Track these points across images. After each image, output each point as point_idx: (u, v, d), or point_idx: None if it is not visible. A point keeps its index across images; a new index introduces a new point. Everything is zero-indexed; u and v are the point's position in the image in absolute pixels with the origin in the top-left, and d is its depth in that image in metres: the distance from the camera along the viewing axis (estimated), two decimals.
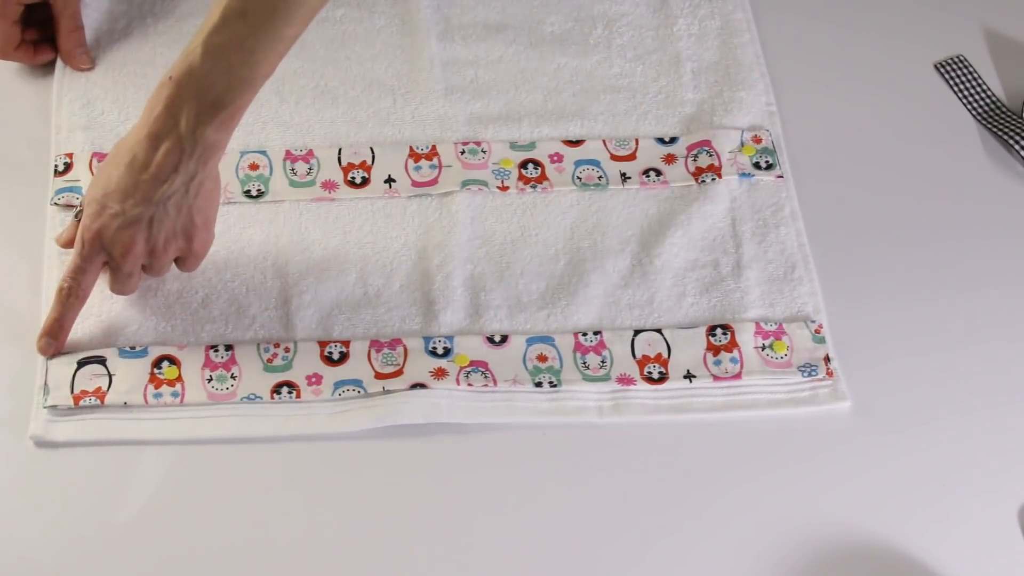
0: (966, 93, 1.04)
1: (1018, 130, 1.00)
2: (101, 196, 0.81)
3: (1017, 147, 0.99)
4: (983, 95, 1.04)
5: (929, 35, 1.07)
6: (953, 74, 1.05)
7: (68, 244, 0.87)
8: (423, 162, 0.96)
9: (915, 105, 1.03)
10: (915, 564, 0.80)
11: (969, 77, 1.05)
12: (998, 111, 1.02)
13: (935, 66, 1.06)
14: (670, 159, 0.98)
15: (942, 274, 0.93)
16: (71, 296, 0.84)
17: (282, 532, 0.80)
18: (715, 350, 0.88)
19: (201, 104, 0.78)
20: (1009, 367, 0.89)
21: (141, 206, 0.81)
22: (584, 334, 0.88)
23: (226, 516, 0.80)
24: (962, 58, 1.06)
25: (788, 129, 1.00)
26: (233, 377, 0.85)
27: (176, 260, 0.86)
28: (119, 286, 0.85)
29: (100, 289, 0.88)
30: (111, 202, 0.81)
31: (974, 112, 1.03)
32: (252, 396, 0.84)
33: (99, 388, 0.84)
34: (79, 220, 0.85)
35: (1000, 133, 1.01)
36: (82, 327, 0.87)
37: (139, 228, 0.82)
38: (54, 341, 0.85)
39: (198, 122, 0.79)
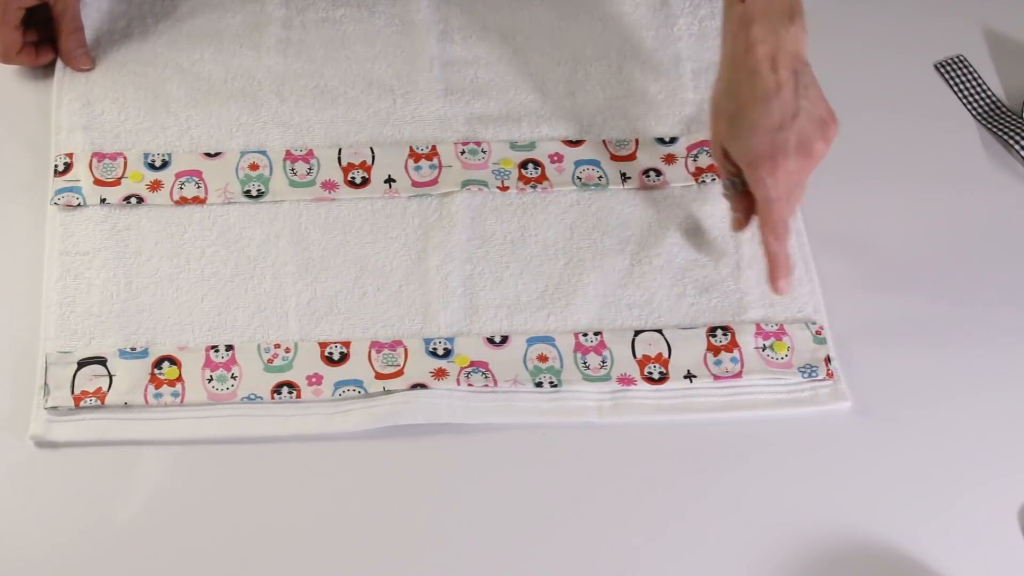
0: (966, 93, 1.04)
1: (1018, 130, 1.00)
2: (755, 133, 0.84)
3: (1017, 147, 0.99)
4: (983, 95, 1.04)
5: (929, 35, 1.07)
6: (953, 74, 1.05)
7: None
8: (423, 162, 0.96)
9: (915, 105, 1.03)
10: (915, 564, 0.80)
11: (969, 77, 1.05)
12: (998, 111, 1.02)
13: (935, 66, 1.06)
14: (670, 159, 0.98)
15: (942, 274, 0.93)
16: (785, 236, 0.87)
17: (283, 532, 0.80)
18: (715, 350, 0.88)
19: None
20: (1009, 367, 0.89)
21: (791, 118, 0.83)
22: (584, 334, 0.88)
23: (226, 516, 0.80)
24: (962, 58, 1.06)
25: None
26: (233, 377, 0.85)
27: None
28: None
29: (102, 289, 0.88)
30: (770, 130, 0.83)
31: (974, 112, 1.03)
32: (252, 396, 0.84)
33: (99, 389, 0.84)
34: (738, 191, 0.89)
35: (1000, 133, 1.01)
36: (82, 327, 0.87)
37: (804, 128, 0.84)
38: (784, 280, 0.88)
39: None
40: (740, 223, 0.92)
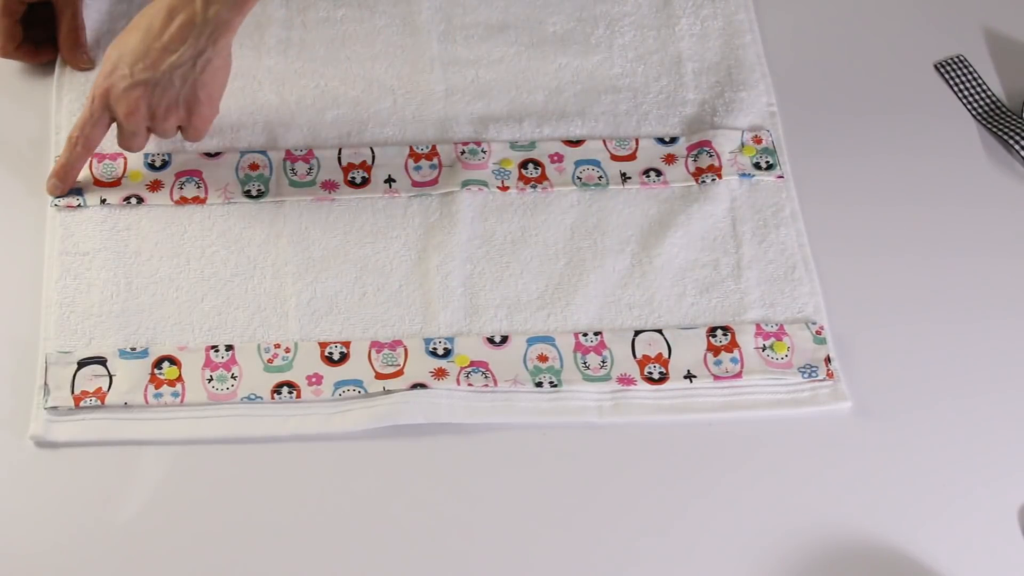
0: (966, 93, 1.04)
1: (1018, 130, 1.00)
2: (116, 58, 0.87)
3: (1017, 147, 0.99)
4: (983, 95, 1.04)
5: (929, 35, 1.07)
6: (953, 74, 1.05)
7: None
8: (423, 162, 0.96)
9: (915, 105, 1.03)
10: (915, 564, 0.80)
11: (969, 77, 1.05)
12: (998, 111, 1.02)
13: (935, 66, 1.06)
14: (670, 159, 0.98)
15: (942, 274, 0.93)
16: (77, 145, 0.90)
17: (282, 532, 0.80)
18: (715, 350, 0.88)
19: None
20: (1009, 367, 0.89)
21: (148, 72, 0.86)
22: (584, 334, 0.88)
23: (226, 516, 0.80)
24: (962, 58, 1.05)
25: (789, 129, 1.00)
26: (233, 377, 0.85)
27: (179, 129, 0.92)
28: (125, 142, 0.91)
29: (103, 289, 0.88)
30: (123, 64, 0.87)
31: (974, 112, 1.03)
32: (252, 396, 0.84)
33: (99, 389, 0.84)
34: None
35: (1000, 133, 1.01)
36: (82, 327, 0.87)
37: (143, 92, 0.87)
38: (60, 183, 0.91)
39: (212, 0, 0.84)
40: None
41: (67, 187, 0.92)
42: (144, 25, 0.87)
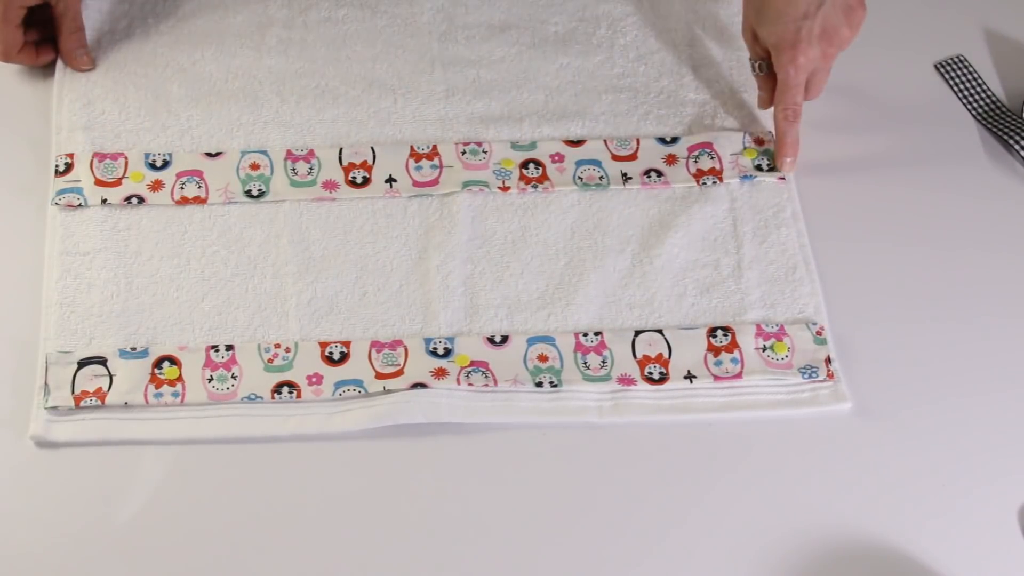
0: (966, 93, 1.04)
1: (1018, 130, 1.00)
2: (781, 24, 0.92)
3: (1017, 147, 0.99)
4: (983, 95, 1.03)
5: (929, 35, 1.07)
6: (953, 74, 1.05)
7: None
8: (424, 162, 0.96)
9: (915, 105, 1.03)
10: (914, 564, 0.80)
11: (969, 77, 1.04)
12: (998, 111, 1.02)
13: (935, 66, 1.05)
14: (671, 160, 0.97)
15: (943, 275, 0.93)
16: (796, 118, 0.95)
17: (283, 531, 0.80)
18: (716, 351, 0.88)
19: None
20: (1009, 368, 0.89)
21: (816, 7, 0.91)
22: (585, 334, 0.88)
23: (227, 516, 0.80)
24: (962, 58, 1.05)
25: None
26: (234, 377, 0.85)
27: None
28: (819, 87, 0.97)
29: (103, 289, 0.88)
30: (794, 20, 0.91)
31: (974, 112, 1.03)
32: (253, 396, 0.84)
33: (100, 388, 0.84)
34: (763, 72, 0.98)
35: (1000, 133, 1.00)
36: (82, 327, 0.87)
37: (820, 22, 0.92)
38: (790, 159, 0.96)
39: None
40: (765, 102, 0.99)
41: (793, 164, 0.96)
42: None
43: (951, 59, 1.05)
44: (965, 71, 1.05)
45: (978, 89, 1.04)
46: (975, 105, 1.03)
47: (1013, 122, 1.01)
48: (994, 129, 1.01)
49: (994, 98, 1.03)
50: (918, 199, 0.97)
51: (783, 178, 0.97)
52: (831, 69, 0.96)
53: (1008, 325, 0.91)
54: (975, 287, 0.93)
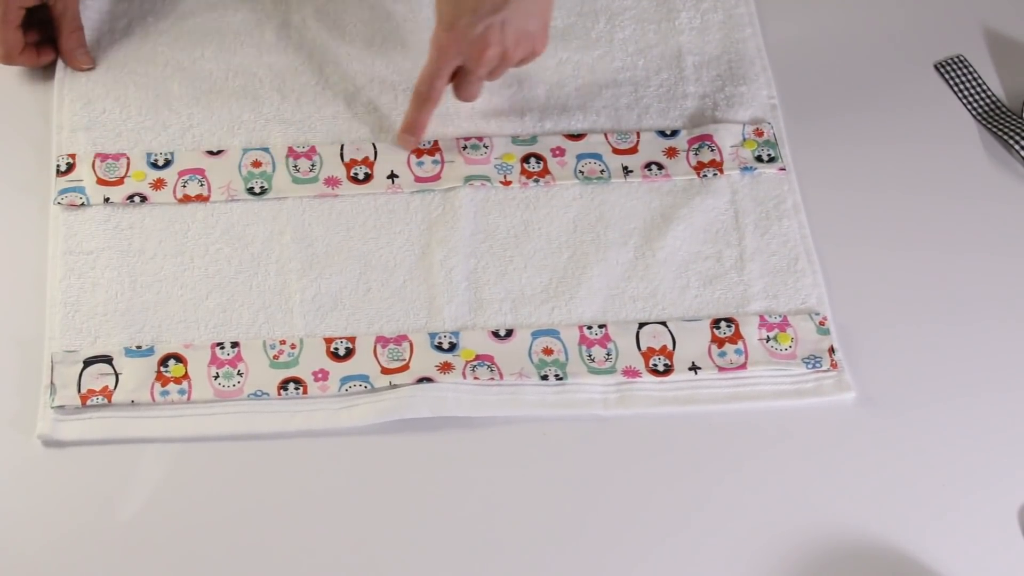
0: (966, 93, 1.04)
1: (1018, 130, 1.00)
2: (452, 8, 0.89)
3: (1017, 147, 0.99)
4: (983, 95, 1.04)
5: (929, 35, 1.07)
6: (953, 74, 1.05)
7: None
8: (425, 157, 0.96)
9: (915, 105, 1.03)
10: (915, 563, 0.80)
11: (969, 77, 1.04)
12: (998, 111, 1.02)
13: (935, 66, 1.06)
14: (672, 152, 0.98)
15: (943, 270, 0.93)
16: (427, 100, 0.94)
17: (291, 527, 0.80)
18: (720, 342, 0.88)
19: None
20: (1009, 366, 0.89)
21: (491, 14, 0.88)
22: (589, 327, 0.88)
23: (234, 512, 0.81)
24: (962, 58, 1.05)
25: (790, 122, 1.00)
26: (240, 374, 0.85)
27: (520, 62, 0.94)
28: (468, 91, 0.96)
29: (107, 288, 0.88)
30: (464, 11, 0.88)
31: (974, 112, 1.03)
32: (259, 393, 0.84)
33: (106, 387, 0.84)
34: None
35: (1000, 133, 1.01)
36: (87, 326, 0.87)
37: (492, 33, 0.89)
38: (412, 137, 0.96)
39: None
40: None
41: (418, 141, 0.96)
42: None
43: (951, 59, 1.06)
44: (965, 71, 1.05)
45: (978, 89, 1.04)
46: (975, 105, 1.03)
47: (1013, 122, 1.01)
48: (994, 129, 1.01)
49: (994, 98, 1.03)
50: (918, 199, 0.97)
51: (783, 169, 0.97)
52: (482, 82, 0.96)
53: (1008, 323, 0.91)
54: (975, 284, 0.93)
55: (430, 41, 0.92)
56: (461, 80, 0.94)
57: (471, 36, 0.89)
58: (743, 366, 0.87)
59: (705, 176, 0.96)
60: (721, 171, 0.96)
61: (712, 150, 0.98)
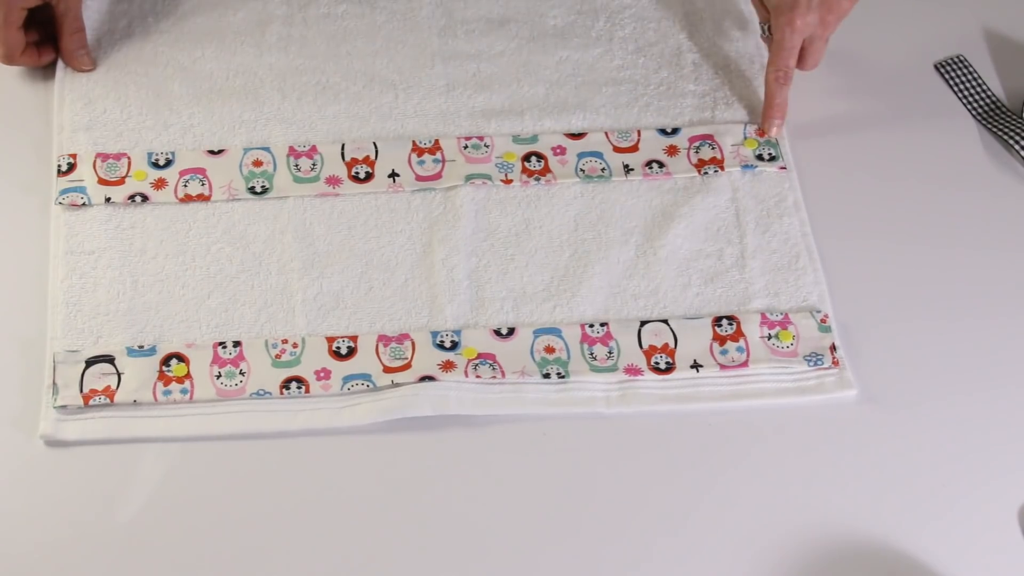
0: (966, 93, 1.04)
1: (1018, 130, 1.00)
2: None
3: (1017, 147, 0.99)
4: (983, 95, 1.04)
5: (929, 35, 1.07)
6: (953, 74, 1.05)
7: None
8: (426, 156, 0.96)
9: (915, 105, 1.03)
10: (914, 562, 0.80)
11: (969, 77, 1.04)
12: (998, 111, 1.02)
13: (935, 66, 1.06)
14: (672, 151, 0.98)
15: (944, 269, 0.93)
16: (788, 81, 0.98)
17: (293, 526, 0.80)
18: (721, 340, 0.88)
19: None
20: (1009, 365, 0.89)
21: None
22: (591, 325, 0.88)
23: (238, 512, 0.81)
24: (962, 58, 1.05)
25: (790, 121, 1.00)
26: (242, 373, 0.85)
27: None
28: (815, 58, 1.00)
29: (109, 287, 0.88)
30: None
31: (974, 112, 1.03)
32: (261, 392, 0.84)
33: (108, 387, 0.84)
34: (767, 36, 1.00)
35: (1000, 133, 1.01)
36: (89, 326, 0.87)
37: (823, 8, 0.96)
38: (778, 121, 0.98)
39: None
40: None
41: (783, 123, 0.99)
42: None
43: (951, 59, 1.06)
44: (965, 71, 1.05)
45: (978, 89, 1.04)
46: (975, 105, 1.03)
47: (1013, 122, 1.01)
48: (994, 129, 1.01)
49: (994, 98, 1.03)
50: (918, 198, 0.97)
51: (784, 167, 0.97)
52: (829, 42, 0.99)
53: (1008, 321, 0.91)
54: (976, 282, 0.93)
55: (774, 29, 0.97)
56: (807, 49, 0.98)
57: (815, 3, 0.95)
58: (745, 364, 0.87)
59: (706, 174, 0.97)
60: (722, 168, 0.97)
61: (713, 148, 0.98)
